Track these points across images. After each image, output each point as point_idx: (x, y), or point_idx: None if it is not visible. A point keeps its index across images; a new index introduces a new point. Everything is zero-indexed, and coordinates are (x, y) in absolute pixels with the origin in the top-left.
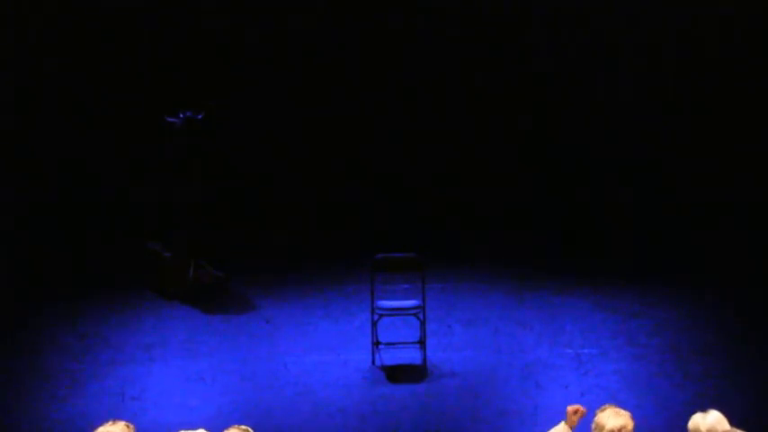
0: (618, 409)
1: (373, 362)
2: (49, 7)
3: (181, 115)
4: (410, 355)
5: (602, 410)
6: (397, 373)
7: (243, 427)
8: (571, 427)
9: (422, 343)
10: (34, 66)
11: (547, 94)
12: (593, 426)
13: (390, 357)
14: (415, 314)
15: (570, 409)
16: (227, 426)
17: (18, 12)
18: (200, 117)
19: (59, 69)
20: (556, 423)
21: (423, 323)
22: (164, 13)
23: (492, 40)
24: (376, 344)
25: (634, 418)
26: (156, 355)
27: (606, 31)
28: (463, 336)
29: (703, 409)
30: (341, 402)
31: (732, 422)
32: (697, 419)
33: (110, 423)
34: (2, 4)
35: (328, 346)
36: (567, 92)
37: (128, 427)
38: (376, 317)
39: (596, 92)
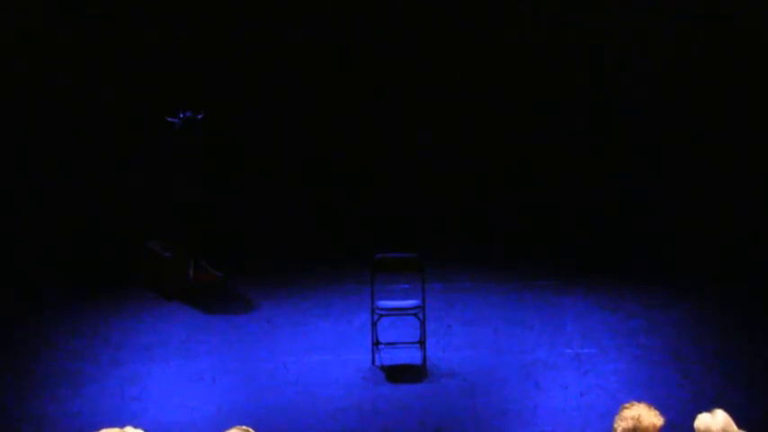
0: (632, 409)
1: (373, 362)
2: (47, 5)
3: (181, 115)
4: (410, 355)
5: (631, 407)
6: (397, 373)
7: (243, 427)
8: None
9: (422, 343)
10: (34, 64)
11: (548, 93)
12: (624, 424)
13: (390, 357)
14: (414, 314)
15: None
16: (227, 426)
17: (17, 10)
18: (200, 117)
19: (59, 68)
20: (556, 423)
21: (423, 323)
22: (164, 12)
23: (498, 41)
24: (376, 344)
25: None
26: (156, 355)
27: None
28: (463, 336)
29: (706, 409)
30: (341, 402)
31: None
32: (707, 420)
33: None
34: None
35: (328, 346)
36: (569, 89)
37: None
38: (376, 317)
39: (599, 88)
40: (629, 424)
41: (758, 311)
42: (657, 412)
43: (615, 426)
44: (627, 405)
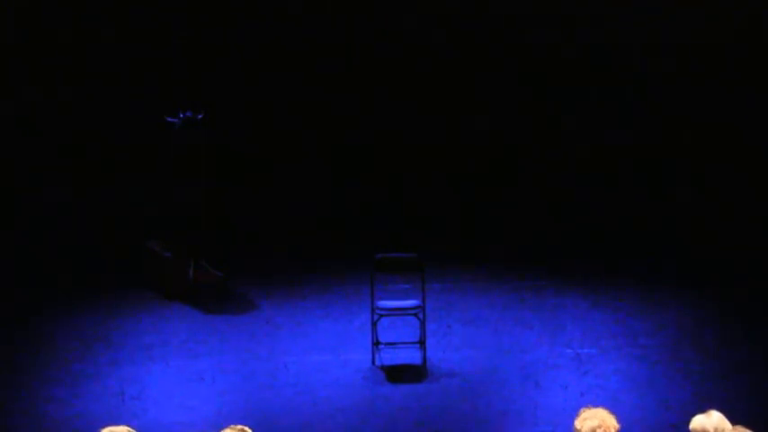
0: (594, 410)
1: (373, 362)
2: (47, 4)
3: (181, 115)
4: (410, 355)
5: (589, 409)
6: (397, 373)
7: (239, 426)
8: None
9: (422, 343)
10: (34, 64)
11: (548, 92)
12: (590, 423)
13: (390, 357)
14: (414, 314)
15: None
16: (227, 426)
17: (16, 8)
18: (200, 117)
19: (59, 68)
20: (556, 423)
21: (423, 323)
22: (164, 12)
23: (494, 41)
24: (376, 344)
25: (616, 414)
26: (156, 355)
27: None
28: (463, 335)
29: (703, 410)
30: (341, 402)
31: (732, 422)
32: (702, 420)
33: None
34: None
35: (328, 346)
36: (570, 87)
37: None
38: (376, 317)
39: (598, 87)
40: (594, 422)
41: (758, 311)
42: (615, 417)
43: (579, 427)
44: (585, 408)
